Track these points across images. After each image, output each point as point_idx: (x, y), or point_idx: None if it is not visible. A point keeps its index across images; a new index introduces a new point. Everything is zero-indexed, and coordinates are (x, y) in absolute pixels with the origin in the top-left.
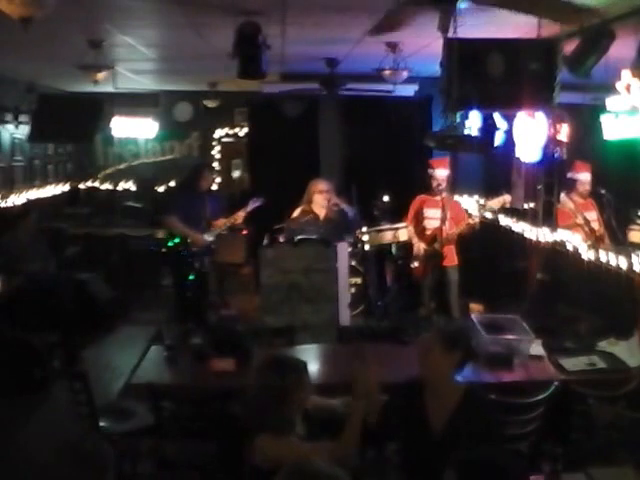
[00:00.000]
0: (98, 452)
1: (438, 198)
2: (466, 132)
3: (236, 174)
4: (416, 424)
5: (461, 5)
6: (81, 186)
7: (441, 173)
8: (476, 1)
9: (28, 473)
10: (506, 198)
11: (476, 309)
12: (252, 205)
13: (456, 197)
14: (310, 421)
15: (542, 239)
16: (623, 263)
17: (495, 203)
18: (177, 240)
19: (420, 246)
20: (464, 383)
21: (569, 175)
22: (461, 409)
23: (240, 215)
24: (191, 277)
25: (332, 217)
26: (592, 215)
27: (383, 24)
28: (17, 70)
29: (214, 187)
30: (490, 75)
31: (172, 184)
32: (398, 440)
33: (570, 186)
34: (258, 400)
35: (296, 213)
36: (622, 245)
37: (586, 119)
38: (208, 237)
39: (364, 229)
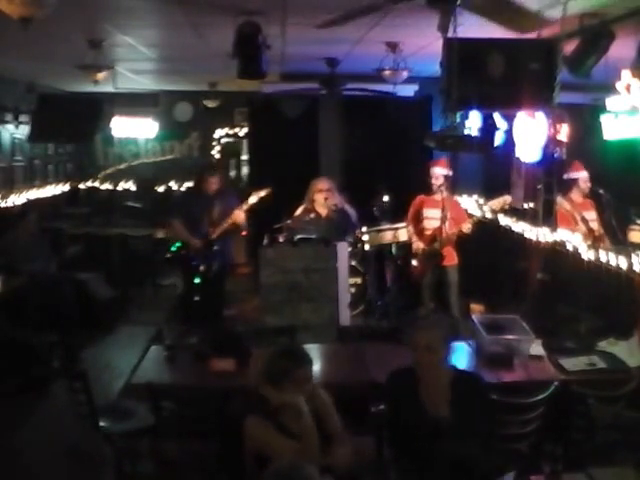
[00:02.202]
0: (97, 452)
1: (438, 198)
2: (466, 132)
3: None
4: (412, 409)
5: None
6: (81, 186)
7: (440, 173)
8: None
9: (28, 473)
10: (506, 199)
11: (476, 309)
12: (252, 200)
13: (456, 197)
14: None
15: (542, 239)
16: (623, 263)
17: (495, 204)
18: (179, 244)
19: (419, 245)
20: (452, 366)
21: (566, 176)
22: (454, 390)
23: (238, 213)
24: (197, 280)
25: (333, 216)
26: (591, 215)
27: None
28: (17, 70)
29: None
30: (490, 75)
31: (172, 184)
32: (396, 426)
33: (568, 186)
34: (255, 383)
35: (298, 212)
36: (622, 245)
37: (586, 119)
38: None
39: (364, 229)
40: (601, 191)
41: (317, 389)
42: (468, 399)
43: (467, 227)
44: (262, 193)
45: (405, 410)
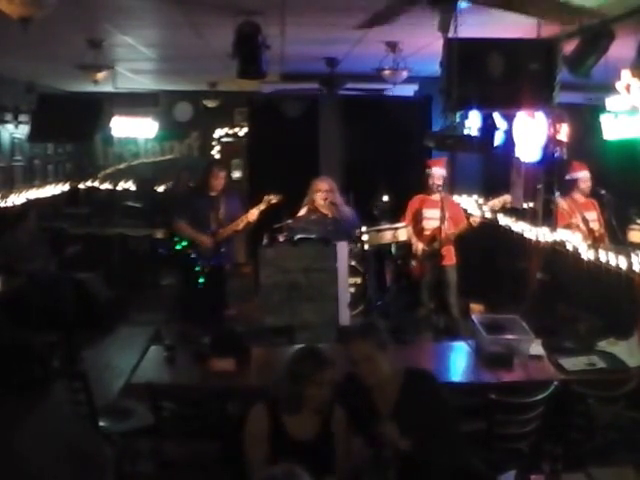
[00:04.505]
0: (98, 452)
1: (437, 198)
2: (466, 132)
3: (236, 174)
4: (366, 415)
5: (461, 5)
6: (81, 186)
7: (439, 173)
8: (476, 2)
9: (28, 473)
10: (506, 198)
11: (476, 309)
12: (266, 202)
13: (456, 197)
14: None
15: (542, 239)
16: (623, 263)
17: (495, 203)
18: (184, 243)
19: (418, 246)
20: (401, 367)
21: (568, 176)
22: (405, 390)
23: (253, 212)
24: (201, 280)
25: (336, 216)
26: (592, 215)
27: (375, 18)
28: (17, 70)
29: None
30: (490, 75)
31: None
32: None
33: (570, 187)
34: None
35: (302, 212)
36: (622, 245)
37: (586, 119)
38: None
39: (364, 229)
40: (603, 192)
41: (335, 405)
42: (420, 398)
43: (475, 221)
44: (274, 200)
45: (359, 418)
